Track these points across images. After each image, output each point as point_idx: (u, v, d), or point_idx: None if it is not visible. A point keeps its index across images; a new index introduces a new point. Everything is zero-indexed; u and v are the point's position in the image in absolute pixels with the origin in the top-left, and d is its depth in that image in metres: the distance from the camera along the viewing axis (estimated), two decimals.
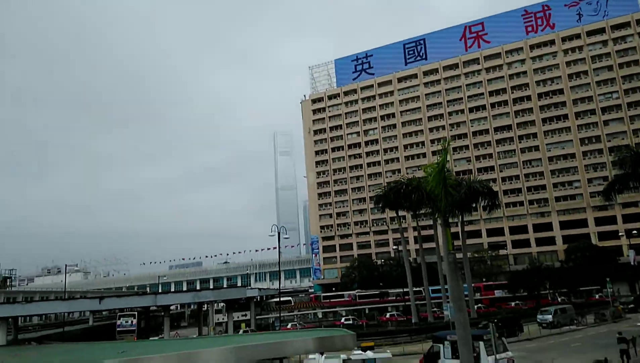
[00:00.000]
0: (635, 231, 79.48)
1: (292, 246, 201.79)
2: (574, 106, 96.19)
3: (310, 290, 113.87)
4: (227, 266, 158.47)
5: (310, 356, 22.08)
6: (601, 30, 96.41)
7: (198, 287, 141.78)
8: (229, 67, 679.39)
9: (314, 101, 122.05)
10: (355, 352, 22.38)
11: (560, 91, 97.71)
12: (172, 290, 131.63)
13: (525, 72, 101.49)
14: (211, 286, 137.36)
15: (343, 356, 22.19)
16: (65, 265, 74.71)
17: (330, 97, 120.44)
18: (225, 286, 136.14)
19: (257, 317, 66.45)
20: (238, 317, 62.14)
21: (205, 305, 63.04)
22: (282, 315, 62.47)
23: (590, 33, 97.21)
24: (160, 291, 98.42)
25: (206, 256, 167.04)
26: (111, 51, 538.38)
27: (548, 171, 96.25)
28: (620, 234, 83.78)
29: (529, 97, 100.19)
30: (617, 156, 29.42)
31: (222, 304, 65.01)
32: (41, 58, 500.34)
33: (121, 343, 34.29)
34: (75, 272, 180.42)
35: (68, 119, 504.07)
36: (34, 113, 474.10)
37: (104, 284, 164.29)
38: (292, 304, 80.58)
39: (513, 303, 64.66)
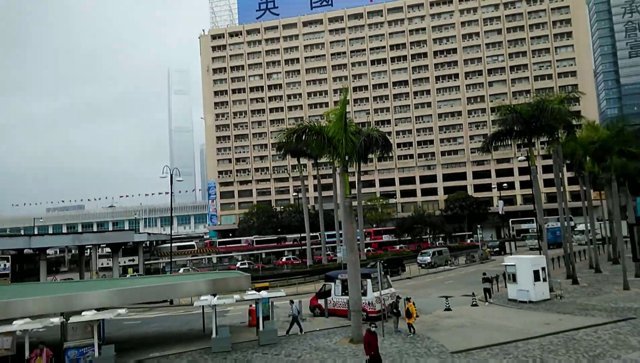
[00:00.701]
0: (505, 184, 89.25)
1: (187, 191, 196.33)
2: (465, 66, 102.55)
3: (205, 236, 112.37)
4: (113, 210, 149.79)
5: (202, 297, 21.68)
6: None
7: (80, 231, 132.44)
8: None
9: (213, 37, 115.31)
10: (249, 293, 22.44)
11: (454, 50, 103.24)
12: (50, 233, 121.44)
13: (424, 29, 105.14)
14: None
15: (236, 297, 22.14)
16: None
17: (231, 35, 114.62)
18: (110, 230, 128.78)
19: (146, 262, 64.20)
20: (125, 262, 59.46)
21: (88, 250, 59.21)
22: (174, 260, 60.95)
23: None
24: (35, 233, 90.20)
25: (89, 200, 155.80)
26: None
27: (437, 126, 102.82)
28: (492, 187, 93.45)
29: (425, 55, 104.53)
30: (501, 114, 31.77)
31: (107, 249, 61.56)
32: None
33: None
34: None
35: None
36: None
37: None
38: (195, 249, 78.93)
39: (398, 247, 69.85)
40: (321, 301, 25.76)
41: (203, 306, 23.36)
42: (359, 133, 34.64)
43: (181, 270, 54.00)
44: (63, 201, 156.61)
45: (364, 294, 22.96)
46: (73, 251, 79.82)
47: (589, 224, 41.82)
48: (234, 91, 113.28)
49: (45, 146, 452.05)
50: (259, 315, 21.18)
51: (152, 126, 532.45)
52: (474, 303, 26.02)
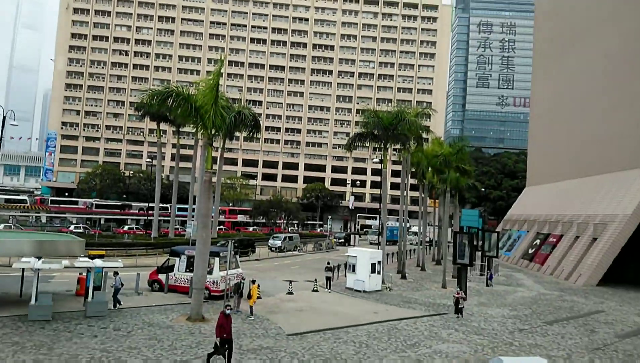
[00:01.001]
0: (358, 182, 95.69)
1: (21, 138, 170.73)
2: (339, 65, 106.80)
3: (36, 192, 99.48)
4: None
5: (24, 259, 19.03)
6: (376, 2, 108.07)
7: None
8: None
9: None
10: (81, 259, 20.36)
11: (332, 48, 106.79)
12: None
13: (307, 20, 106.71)
14: None
15: (65, 262, 19.90)
16: None
17: None
18: None
19: None
20: None
21: None
22: None
23: (367, 1, 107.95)
24: None
25: None
26: None
27: (306, 117, 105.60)
28: (347, 182, 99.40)
29: (305, 45, 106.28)
30: (366, 117, 33.77)
31: None
32: None
33: None
34: None
35: None
36: None
37: None
38: (28, 205, 69.17)
39: (252, 228, 70.26)
40: (162, 276, 24.57)
41: (23, 269, 20.53)
42: (229, 108, 33.71)
43: (1, 226, 47.00)
44: None
45: (210, 272, 22.49)
46: None
47: (421, 227, 46.96)
48: (94, 38, 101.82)
49: None
50: (89, 285, 19.32)
51: None
52: (315, 289, 27.32)
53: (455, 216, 44.72)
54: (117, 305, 20.13)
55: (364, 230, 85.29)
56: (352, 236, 69.16)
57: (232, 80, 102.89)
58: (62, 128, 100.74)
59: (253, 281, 21.31)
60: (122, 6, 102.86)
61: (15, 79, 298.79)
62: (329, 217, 71.05)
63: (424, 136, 39.58)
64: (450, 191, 38.79)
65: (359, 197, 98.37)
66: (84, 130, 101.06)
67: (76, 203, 73.08)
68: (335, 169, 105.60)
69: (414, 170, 47.51)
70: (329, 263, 29.84)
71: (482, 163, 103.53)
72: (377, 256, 29.26)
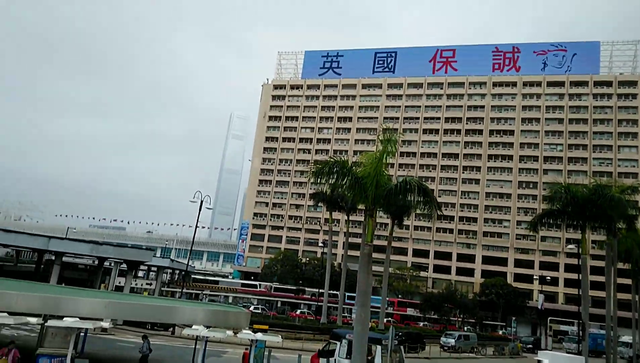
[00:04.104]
0: (548, 278, 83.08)
1: (222, 229, 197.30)
2: (520, 150, 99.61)
3: (228, 276, 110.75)
4: (150, 235, 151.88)
5: (194, 327, 19.85)
6: (561, 83, 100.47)
7: None
8: (201, 42, 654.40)
9: (275, 87, 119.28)
10: (244, 331, 20.42)
11: (511, 132, 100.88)
12: None
13: (483, 107, 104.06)
14: None
15: (229, 332, 20.16)
16: None
17: (293, 87, 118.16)
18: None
19: (163, 289, 63.03)
20: (142, 285, 58.59)
21: (111, 264, 58.95)
22: (190, 292, 59.54)
23: (550, 84, 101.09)
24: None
25: (128, 222, 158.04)
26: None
27: (483, 205, 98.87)
28: (534, 278, 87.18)
29: (480, 131, 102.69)
30: (553, 191, 29.41)
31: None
32: None
33: None
34: None
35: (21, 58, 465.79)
36: None
37: (12, 228, 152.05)
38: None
39: (422, 324, 65.28)
40: (323, 361, 23.18)
41: (197, 337, 21.44)
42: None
43: None
44: (104, 218, 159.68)
45: (370, 361, 20.34)
46: (94, 262, 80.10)
47: (636, 337, 37.06)
48: (284, 139, 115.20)
49: (104, 168, 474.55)
50: (251, 360, 19.02)
51: (206, 165, 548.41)
52: None
53: None
54: None
55: (558, 336, 71.89)
56: (543, 341, 58.68)
57: (404, 170, 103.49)
58: (253, 218, 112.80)
59: None
60: (308, 111, 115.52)
61: (224, 182, 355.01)
62: (513, 318, 61.95)
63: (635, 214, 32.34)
64: None
65: (550, 297, 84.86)
66: (270, 220, 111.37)
67: (259, 286, 78.59)
68: (519, 264, 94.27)
69: (622, 265, 38.95)
70: None
71: None
72: None
